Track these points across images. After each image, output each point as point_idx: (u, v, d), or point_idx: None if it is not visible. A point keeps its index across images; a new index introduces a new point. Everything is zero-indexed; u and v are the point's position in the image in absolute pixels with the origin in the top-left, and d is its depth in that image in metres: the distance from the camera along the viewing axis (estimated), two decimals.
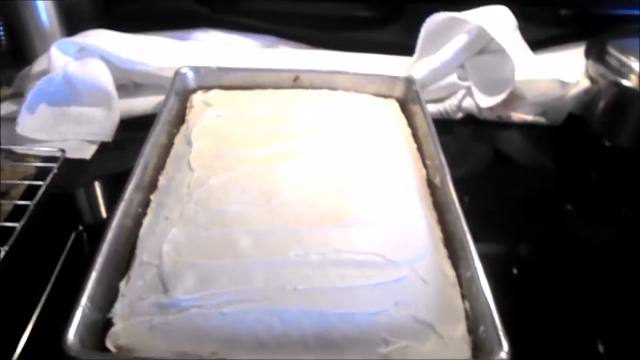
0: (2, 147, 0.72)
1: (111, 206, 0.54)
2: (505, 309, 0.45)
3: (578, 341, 0.55)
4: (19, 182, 0.68)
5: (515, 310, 0.47)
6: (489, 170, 0.81)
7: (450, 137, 0.81)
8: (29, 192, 0.65)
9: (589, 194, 0.75)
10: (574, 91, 0.81)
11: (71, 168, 0.71)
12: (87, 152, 0.75)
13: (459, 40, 0.81)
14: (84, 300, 0.45)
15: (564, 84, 0.81)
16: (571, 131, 0.84)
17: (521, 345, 0.43)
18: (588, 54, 0.83)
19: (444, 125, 0.78)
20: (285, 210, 0.54)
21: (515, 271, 0.63)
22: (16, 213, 0.62)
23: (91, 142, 0.76)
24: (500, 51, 0.80)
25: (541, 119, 0.84)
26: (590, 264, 0.63)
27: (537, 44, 0.87)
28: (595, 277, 0.62)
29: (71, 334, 0.42)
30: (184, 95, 0.75)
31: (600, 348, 0.54)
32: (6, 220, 0.62)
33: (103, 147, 0.76)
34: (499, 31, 0.79)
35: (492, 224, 0.67)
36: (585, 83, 0.82)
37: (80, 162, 0.73)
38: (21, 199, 0.65)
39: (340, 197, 0.56)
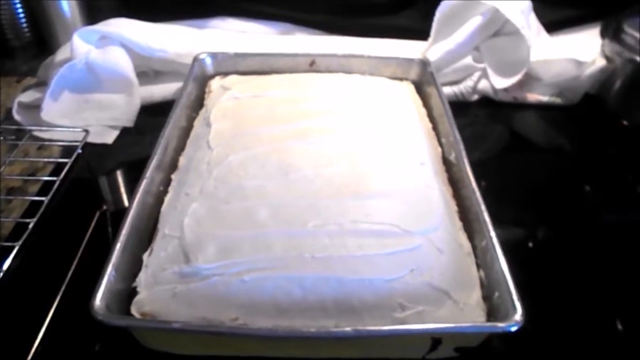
0: (28, 128, 0.74)
1: (133, 188, 0.55)
2: (520, 284, 0.45)
3: (592, 318, 0.55)
4: (45, 159, 0.70)
5: (529, 285, 0.47)
6: (505, 151, 0.80)
7: (465, 119, 0.81)
8: (55, 171, 0.68)
9: (606, 173, 0.75)
10: (589, 70, 0.81)
11: (94, 152, 0.73)
12: (109, 137, 0.76)
13: (474, 22, 0.81)
14: (109, 269, 0.46)
15: (579, 64, 0.81)
16: (588, 111, 0.84)
17: (534, 317, 0.44)
18: (604, 33, 0.83)
19: (459, 107, 0.79)
20: (303, 184, 0.55)
21: (531, 251, 0.63)
22: (43, 190, 0.64)
23: (113, 127, 0.78)
24: (515, 33, 0.80)
25: (557, 100, 0.85)
26: (607, 243, 0.63)
27: (552, 25, 0.87)
28: (612, 257, 0.61)
29: (98, 299, 0.44)
30: (203, 81, 0.76)
31: (618, 327, 0.54)
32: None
33: (125, 132, 0.78)
34: (514, 12, 0.79)
35: (508, 204, 0.67)
36: (601, 62, 0.82)
37: (102, 146, 0.75)
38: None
39: (357, 172, 0.57)
